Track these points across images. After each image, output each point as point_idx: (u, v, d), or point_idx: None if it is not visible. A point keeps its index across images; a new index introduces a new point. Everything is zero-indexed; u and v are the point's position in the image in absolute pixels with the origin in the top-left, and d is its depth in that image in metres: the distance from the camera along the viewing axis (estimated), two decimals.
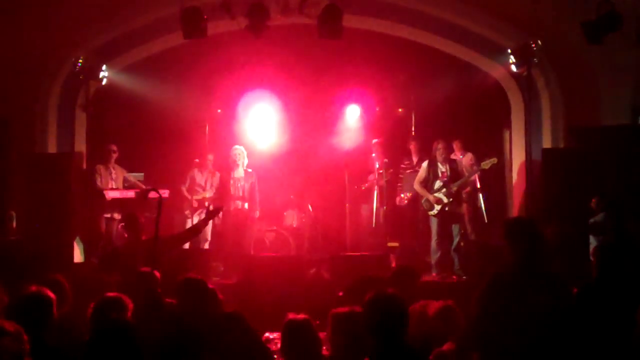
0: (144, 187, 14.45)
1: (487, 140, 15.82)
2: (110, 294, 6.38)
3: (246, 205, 13.95)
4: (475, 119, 15.42)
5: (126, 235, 10.02)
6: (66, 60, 13.68)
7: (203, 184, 14.53)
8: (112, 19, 13.36)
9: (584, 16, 11.58)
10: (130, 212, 10.42)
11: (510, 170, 15.59)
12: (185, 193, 14.52)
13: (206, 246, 14.31)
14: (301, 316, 5.61)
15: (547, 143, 14.25)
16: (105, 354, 4.65)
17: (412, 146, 15.10)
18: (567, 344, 6.33)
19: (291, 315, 5.62)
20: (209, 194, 14.45)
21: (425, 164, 13.88)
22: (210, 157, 14.75)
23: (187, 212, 14.53)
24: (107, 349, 4.66)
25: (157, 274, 8.40)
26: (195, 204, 14.43)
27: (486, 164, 14.05)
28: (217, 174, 14.65)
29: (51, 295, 5.65)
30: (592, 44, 11.02)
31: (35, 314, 5.39)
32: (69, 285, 7.56)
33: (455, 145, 14.60)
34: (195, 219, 14.29)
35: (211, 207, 11.03)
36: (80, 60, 13.23)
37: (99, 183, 14.01)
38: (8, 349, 4.46)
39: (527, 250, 6.28)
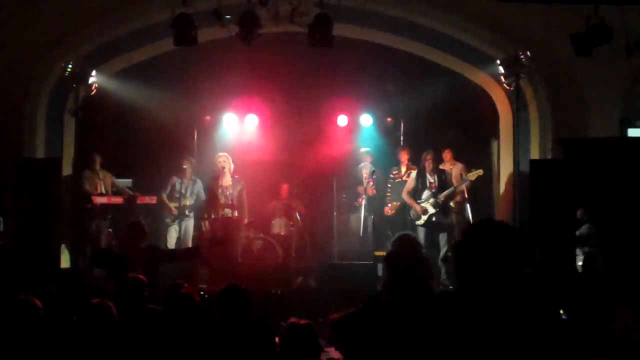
0: (131, 193, 14.46)
1: (475, 151, 15.84)
2: (95, 300, 6.34)
3: (235, 213, 13.92)
4: (464, 129, 15.45)
5: (130, 240, 10.02)
6: (55, 65, 13.63)
7: (183, 192, 14.46)
8: (102, 24, 13.36)
9: (573, 28, 11.63)
10: (137, 220, 10.39)
11: (498, 181, 15.62)
12: (166, 200, 14.48)
13: None
14: (303, 321, 5.61)
15: (535, 154, 14.29)
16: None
17: (402, 156, 15.10)
18: None
19: (293, 320, 5.62)
20: (189, 201, 14.40)
21: (413, 174, 13.96)
22: (191, 162, 14.69)
23: (167, 220, 14.50)
24: (96, 355, 4.66)
25: (144, 279, 8.43)
26: (175, 212, 14.39)
27: (472, 175, 14.11)
28: (198, 181, 14.62)
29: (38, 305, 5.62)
30: (581, 56, 11.05)
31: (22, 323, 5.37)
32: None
33: (445, 155, 14.60)
34: (176, 227, 14.29)
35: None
36: (70, 66, 13.18)
37: (87, 187, 14.00)
38: None
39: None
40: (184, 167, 14.43)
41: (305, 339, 5.56)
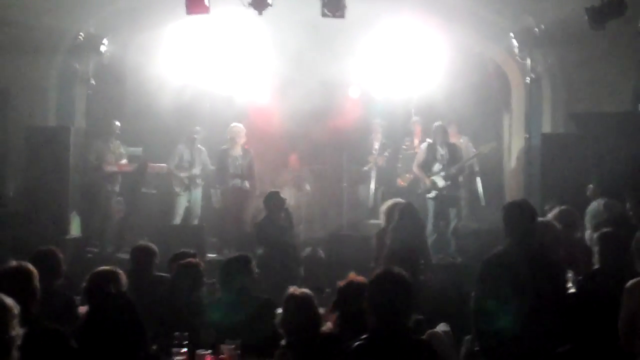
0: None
1: (486, 124, 15.79)
2: (105, 268, 6.36)
3: (246, 183, 13.92)
4: (476, 102, 15.33)
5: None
6: (68, 33, 13.61)
7: (191, 160, 14.44)
8: None
9: (588, 2, 11.53)
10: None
11: (509, 154, 15.57)
12: (175, 170, 14.41)
13: (196, 222, 14.36)
14: (302, 291, 5.61)
15: (546, 128, 14.23)
16: (107, 326, 4.65)
17: (416, 128, 15.06)
18: (563, 330, 6.35)
19: (293, 290, 5.61)
20: (197, 170, 14.38)
21: (424, 146, 13.91)
22: (197, 130, 14.64)
23: (177, 189, 14.44)
24: (108, 322, 4.66)
25: (154, 248, 8.46)
26: (186, 181, 14.37)
27: (485, 148, 14.09)
28: (204, 150, 14.58)
29: (29, 268, 5.62)
30: (595, 29, 10.96)
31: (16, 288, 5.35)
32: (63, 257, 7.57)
33: (451, 128, 14.54)
34: (185, 197, 14.28)
35: None
36: (82, 34, 13.15)
37: (96, 157, 13.98)
38: None
39: (524, 234, 6.27)
40: (194, 136, 14.38)
41: (304, 309, 5.56)
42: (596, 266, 7.08)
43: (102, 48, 13.66)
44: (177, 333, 6.07)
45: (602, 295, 6.40)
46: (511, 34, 13.43)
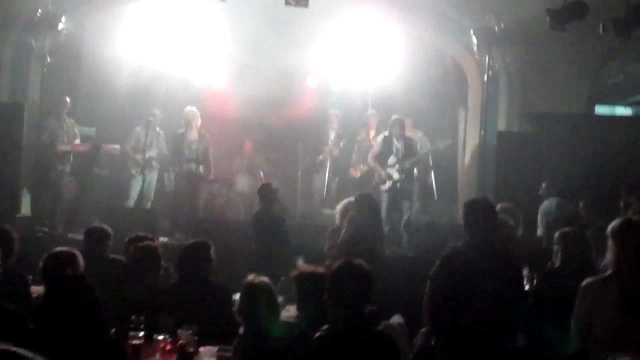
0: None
1: (442, 120, 15.91)
2: (62, 249, 6.28)
3: (200, 168, 13.84)
4: (433, 97, 15.43)
5: None
6: (24, 9, 13.41)
7: (148, 143, 14.28)
8: None
9: (548, 3, 11.64)
10: None
11: (463, 150, 15.68)
12: (131, 152, 14.26)
13: (149, 205, 14.25)
14: (261, 279, 5.59)
15: (502, 126, 14.35)
16: (65, 309, 4.59)
17: (372, 120, 15.11)
18: (522, 326, 6.45)
19: (251, 278, 5.59)
20: (153, 152, 14.26)
21: (380, 139, 13.95)
22: (155, 113, 14.50)
23: (133, 171, 14.30)
24: (66, 305, 4.60)
25: (108, 229, 8.39)
26: (142, 163, 14.23)
27: (440, 144, 14.20)
28: (161, 133, 14.47)
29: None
30: (555, 30, 11.07)
31: None
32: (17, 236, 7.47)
33: (407, 123, 14.60)
34: (139, 179, 14.17)
35: None
36: (40, 10, 12.98)
37: (49, 135, 13.79)
38: None
39: (483, 231, 6.32)
40: (150, 118, 14.26)
41: (262, 298, 5.55)
42: (557, 264, 7.16)
43: (60, 25, 13.47)
44: (133, 317, 6.02)
45: (562, 293, 6.52)
46: (471, 31, 13.51)
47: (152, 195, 14.39)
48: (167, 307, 6.22)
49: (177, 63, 15.04)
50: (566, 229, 7.57)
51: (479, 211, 6.42)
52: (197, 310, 6.18)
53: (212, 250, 6.87)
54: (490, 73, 13.68)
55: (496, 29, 13.08)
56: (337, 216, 10.57)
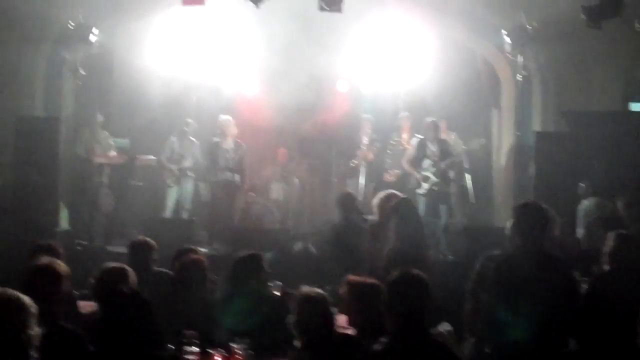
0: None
1: (475, 121, 15.82)
2: (114, 265, 6.27)
3: (236, 177, 13.83)
4: (465, 99, 15.34)
5: None
6: (57, 21, 13.42)
7: (182, 153, 14.34)
8: None
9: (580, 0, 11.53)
10: None
11: (497, 151, 15.59)
12: (166, 163, 14.32)
13: (185, 215, 14.29)
14: (316, 291, 5.55)
15: (536, 126, 14.24)
16: (123, 327, 4.57)
17: (405, 123, 15.04)
18: (574, 331, 6.36)
19: (306, 291, 5.55)
20: (188, 162, 14.28)
21: (414, 142, 13.91)
22: (189, 122, 14.54)
23: (169, 181, 14.35)
24: (124, 322, 4.58)
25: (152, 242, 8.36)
26: (177, 173, 14.27)
27: (475, 144, 14.16)
28: (196, 142, 14.49)
29: (61, 270, 5.52)
30: (591, 28, 10.97)
31: (45, 288, 5.27)
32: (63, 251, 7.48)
33: (441, 124, 14.55)
34: (176, 189, 14.20)
35: None
36: (72, 23, 13.01)
37: (84, 147, 13.85)
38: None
39: (535, 236, 6.24)
40: (185, 128, 14.29)
41: (318, 310, 5.51)
42: (607, 267, 7.05)
43: (92, 37, 13.49)
44: (187, 332, 6.01)
45: (616, 297, 6.43)
46: (503, 31, 13.41)
47: (189, 205, 14.41)
48: (220, 321, 6.20)
49: (208, 71, 15.04)
50: (622, 231, 7.45)
51: (531, 216, 6.34)
52: (252, 324, 6.15)
53: (264, 262, 6.85)
54: (524, 73, 13.56)
55: (529, 27, 12.95)
56: (376, 210, 10.43)
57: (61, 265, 5.52)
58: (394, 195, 10.42)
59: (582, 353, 6.50)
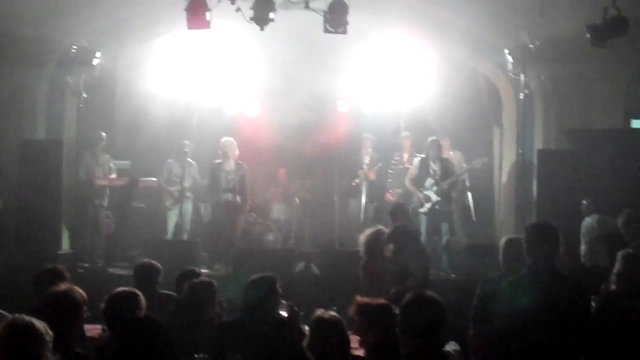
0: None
1: (477, 139, 15.82)
2: (124, 289, 6.23)
3: (238, 198, 13.81)
4: (466, 117, 15.36)
5: None
6: (59, 45, 13.44)
7: (180, 174, 14.33)
8: (109, 4, 13.10)
9: (580, 19, 11.52)
10: None
11: (499, 169, 15.58)
12: (164, 185, 14.36)
13: (185, 236, 14.32)
14: (331, 314, 5.52)
15: (538, 144, 14.23)
16: (140, 354, 4.53)
17: (406, 142, 15.05)
18: (584, 351, 6.33)
19: (321, 313, 5.52)
20: (187, 184, 14.27)
21: (416, 161, 13.92)
22: (186, 144, 14.52)
23: (167, 203, 14.38)
24: (141, 349, 4.54)
25: (157, 264, 8.33)
26: (176, 195, 14.27)
27: (477, 163, 14.15)
28: (194, 164, 14.52)
29: (80, 296, 5.51)
30: (596, 46, 10.96)
31: (64, 314, 5.26)
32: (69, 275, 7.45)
33: (444, 143, 14.57)
34: (176, 211, 14.22)
35: None
36: (75, 46, 13.03)
37: (85, 170, 13.85)
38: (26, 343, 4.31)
39: (547, 255, 6.22)
40: (184, 150, 14.29)
41: (334, 333, 5.48)
42: (615, 286, 7.00)
43: (95, 61, 13.53)
44: (197, 355, 5.98)
45: (624, 317, 6.41)
46: (506, 50, 13.44)
47: (188, 227, 14.43)
48: (231, 344, 6.15)
49: (209, 92, 15.08)
50: (629, 250, 7.41)
51: (543, 235, 6.31)
52: (265, 347, 6.11)
53: (278, 284, 6.80)
54: (526, 91, 13.58)
55: (531, 46, 12.99)
56: (362, 247, 10.36)
57: (79, 292, 5.50)
58: (381, 231, 10.37)
59: None
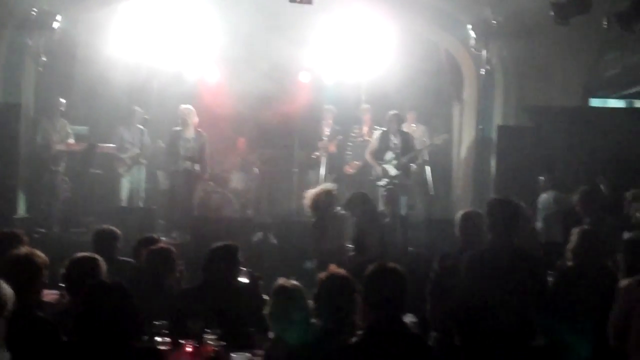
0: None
1: (437, 114, 15.87)
2: (85, 254, 6.18)
3: (196, 166, 13.72)
4: (427, 92, 15.36)
5: None
6: (18, 7, 13.21)
7: (131, 140, 14.22)
8: None
9: None
10: None
11: (458, 144, 15.65)
12: (116, 152, 14.18)
13: (141, 204, 14.26)
14: (293, 283, 5.52)
15: (498, 120, 14.33)
16: (104, 319, 4.49)
17: (365, 115, 15.05)
18: (541, 326, 6.40)
19: (282, 282, 5.52)
20: (137, 149, 14.17)
21: (377, 135, 13.94)
22: (135, 110, 14.43)
23: (120, 170, 14.23)
24: (105, 314, 4.50)
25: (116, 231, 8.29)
26: (129, 162, 14.15)
27: (438, 139, 14.21)
28: (144, 130, 14.38)
29: (41, 260, 5.45)
30: (559, 24, 11.03)
31: (25, 278, 5.20)
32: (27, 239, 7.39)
33: (409, 116, 14.61)
34: (129, 178, 14.15)
35: None
36: (35, 9, 12.83)
37: (42, 135, 13.68)
38: None
39: (508, 231, 6.28)
40: (134, 116, 14.17)
41: (295, 302, 5.48)
42: (571, 262, 7.09)
43: (55, 24, 13.31)
44: (157, 322, 5.95)
45: (579, 293, 6.49)
46: (468, 26, 13.46)
47: (143, 194, 14.34)
48: (191, 310, 6.14)
49: (170, 59, 14.88)
50: (585, 226, 7.50)
51: (502, 210, 6.38)
52: (225, 314, 6.11)
53: (239, 253, 6.80)
54: (487, 67, 13.63)
55: (494, 22, 13.03)
56: (310, 208, 10.27)
57: (40, 256, 5.45)
58: (331, 191, 10.31)
59: (549, 347, 6.55)
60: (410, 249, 13.05)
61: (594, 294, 6.36)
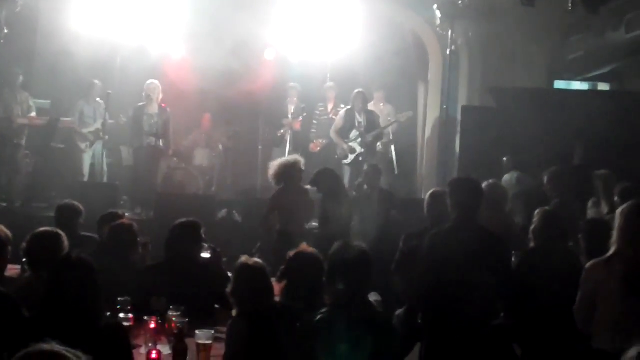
0: None
1: (402, 94, 15.85)
2: (47, 229, 6.13)
3: (161, 142, 13.63)
4: (392, 71, 15.35)
5: None
6: None
7: (91, 115, 14.11)
8: None
9: None
10: None
11: (423, 124, 15.69)
12: (77, 127, 14.04)
13: (104, 179, 14.14)
14: (255, 260, 5.50)
15: (463, 100, 14.38)
16: (68, 294, 4.45)
17: (330, 93, 15.02)
18: (505, 306, 6.47)
19: (245, 259, 5.50)
20: (98, 124, 14.02)
21: (342, 113, 13.93)
22: (95, 83, 14.28)
23: (82, 145, 14.09)
24: (69, 289, 4.46)
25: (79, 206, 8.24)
26: (91, 137, 14.03)
27: (402, 117, 14.21)
28: (102, 103, 14.17)
29: (5, 235, 5.39)
30: (525, 5, 11.07)
31: None
32: None
33: (377, 95, 14.63)
34: (90, 153, 14.05)
35: None
36: None
37: (3, 108, 13.49)
38: None
39: (470, 210, 6.32)
40: (93, 90, 14.04)
41: (257, 280, 5.47)
42: (534, 243, 7.13)
43: None
44: (120, 298, 5.92)
45: (541, 273, 6.55)
46: (435, 6, 13.48)
47: (105, 168, 14.18)
48: (155, 287, 6.12)
49: (134, 34, 14.71)
50: (546, 207, 7.55)
51: (465, 190, 6.41)
52: (188, 291, 6.10)
53: (202, 230, 6.79)
54: (453, 47, 13.67)
55: (459, 2, 13.06)
56: (274, 177, 10.30)
57: (3, 231, 5.40)
58: (299, 162, 10.32)
59: (511, 327, 6.62)
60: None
61: (556, 275, 6.40)
